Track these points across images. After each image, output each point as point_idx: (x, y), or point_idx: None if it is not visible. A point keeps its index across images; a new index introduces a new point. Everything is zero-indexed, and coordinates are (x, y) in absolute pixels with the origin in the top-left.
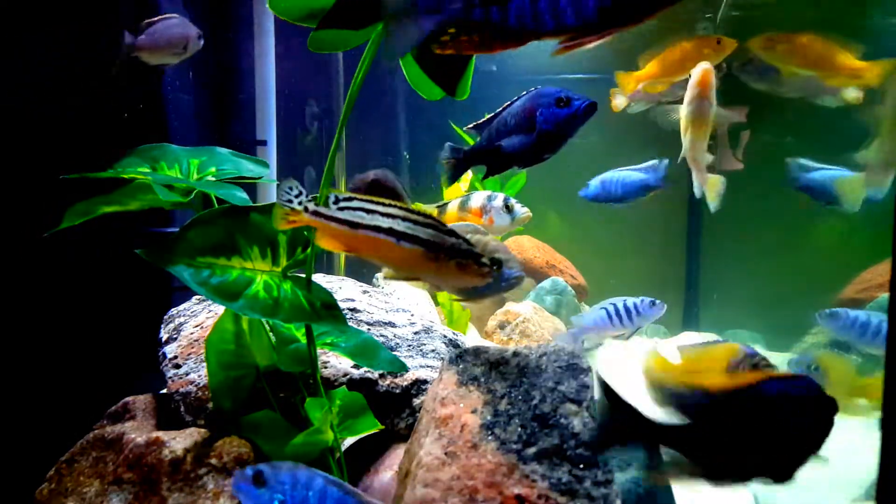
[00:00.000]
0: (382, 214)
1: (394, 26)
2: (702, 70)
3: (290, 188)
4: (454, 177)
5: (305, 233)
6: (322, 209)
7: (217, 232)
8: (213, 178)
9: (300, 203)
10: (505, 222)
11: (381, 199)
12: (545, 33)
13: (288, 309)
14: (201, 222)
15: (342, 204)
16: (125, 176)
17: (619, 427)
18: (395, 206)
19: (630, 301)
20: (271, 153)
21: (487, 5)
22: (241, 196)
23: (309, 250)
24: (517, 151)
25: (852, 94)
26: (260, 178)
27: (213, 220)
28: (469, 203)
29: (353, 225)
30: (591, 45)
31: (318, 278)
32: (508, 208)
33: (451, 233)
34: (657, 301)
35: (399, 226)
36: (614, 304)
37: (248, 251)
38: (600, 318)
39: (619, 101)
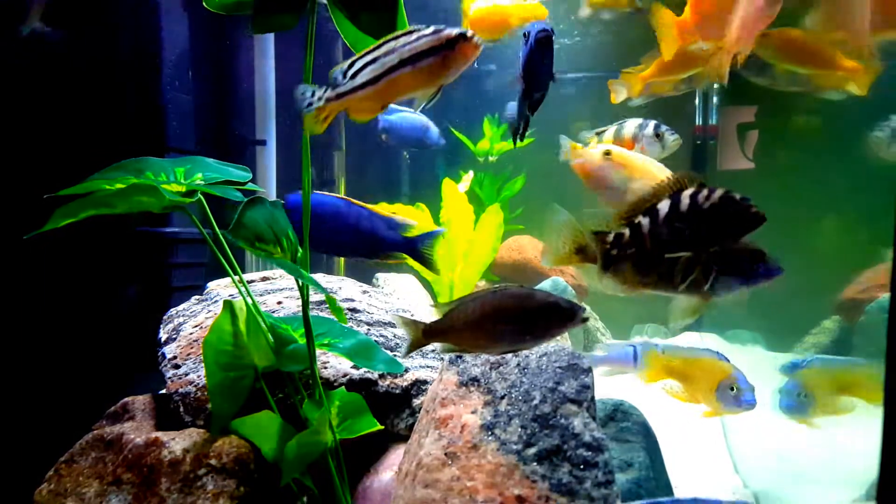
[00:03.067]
0: (385, 55)
1: None
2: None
3: (304, 93)
4: (515, 135)
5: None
6: (340, 88)
7: (259, 221)
8: (202, 183)
9: (320, 98)
10: (656, 151)
11: (374, 44)
12: None
13: (322, 290)
14: (248, 209)
15: (350, 72)
16: (112, 188)
17: None
18: (389, 42)
19: (660, 347)
20: (271, 153)
21: None
22: (237, 194)
23: (305, 245)
24: (521, 98)
25: (856, 86)
26: (246, 182)
27: (252, 208)
28: (623, 132)
29: (373, 81)
30: None
31: (319, 278)
32: (658, 136)
33: (437, 30)
34: None
35: (405, 53)
36: (646, 346)
37: (281, 241)
38: (625, 354)
39: (619, 96)
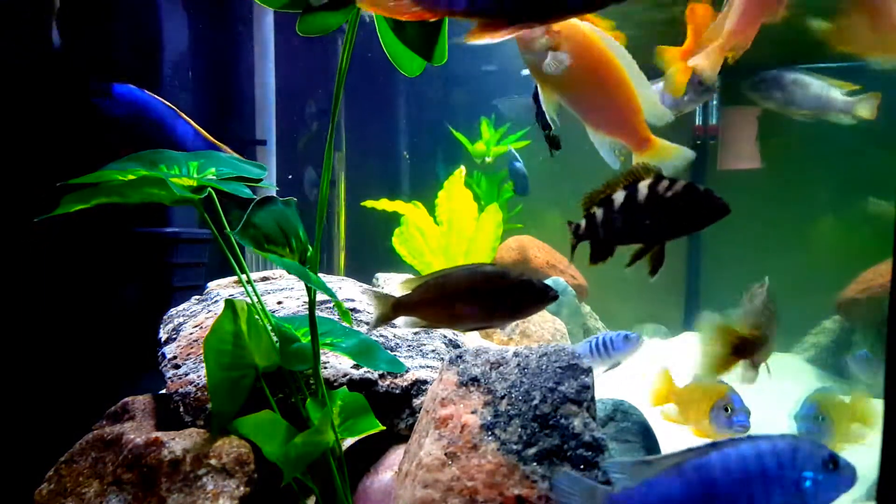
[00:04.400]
0: None
1: None
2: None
3: None
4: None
5: (301, 232)
6: None
7: (270, 221)
8: (214, 178)
9: None
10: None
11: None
12: (457, 13)
13: (330, 294)
14: (258, 209)
15: None
16: (124, 178)
17: None
18: None
19: (608, 336)
20: (271, 153)
21: None
22: (246, 191)
23: (316, 245)
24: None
25: (865, 110)
26: (260, 180)
27: (263, 208)
28: None
29: None
30: (501, 38)
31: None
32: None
33: None
34: (630, 334)
35: None
36: (596, 339)
37: (291, 241)
38: (584, 351)
39: None
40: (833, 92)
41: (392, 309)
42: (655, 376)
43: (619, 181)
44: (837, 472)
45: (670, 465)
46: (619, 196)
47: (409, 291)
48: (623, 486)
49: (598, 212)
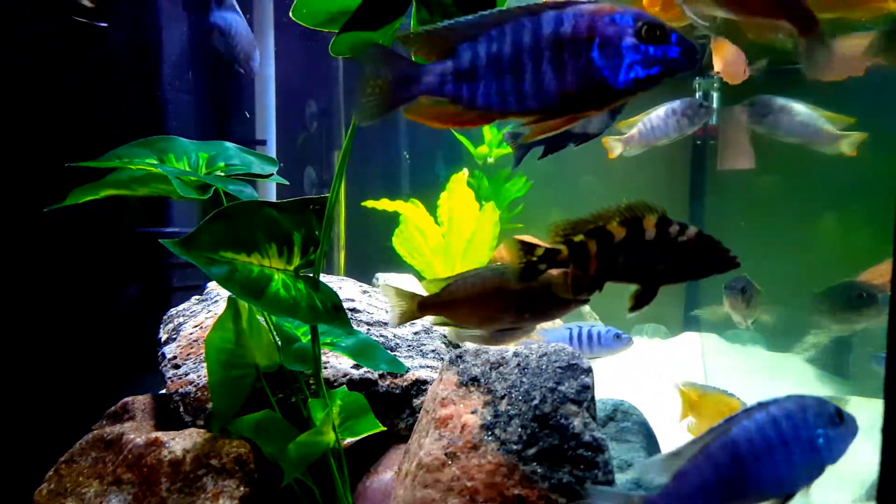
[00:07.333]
0: None
1: (366, 93)
2: None
3: None
4: (518, 160)
5: (317, 232)
6: None
7: (238, 227)
8: (222, 174)
9: None
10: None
11: None
12: (511, 113)
13: (305, 309)
14: (224, 216)
15: None
16: (132, 167)
17: None
18: None
19: (595, 329)
20: (271, 153)
21: (459, 82)
22: (249, 192)
23: (319, 251)
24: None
25: (847, 146)
26: (269, 175)
27: (235, 214)
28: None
29: None
30: (557, 128)
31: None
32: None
33: None
34: (622, 334)
35: None
36: (579, 328)
37: (266, 248)
38: (562, 337)
39: (615, 151)
40: (820, 122)
41: (419, 307)
42: (680, 391)
43: (614, 215)
44: (845, 425)
45: (697, 451)
46: (617, 230)
47: (437, 291)
48: (658, 486)
49: (591, 243)
